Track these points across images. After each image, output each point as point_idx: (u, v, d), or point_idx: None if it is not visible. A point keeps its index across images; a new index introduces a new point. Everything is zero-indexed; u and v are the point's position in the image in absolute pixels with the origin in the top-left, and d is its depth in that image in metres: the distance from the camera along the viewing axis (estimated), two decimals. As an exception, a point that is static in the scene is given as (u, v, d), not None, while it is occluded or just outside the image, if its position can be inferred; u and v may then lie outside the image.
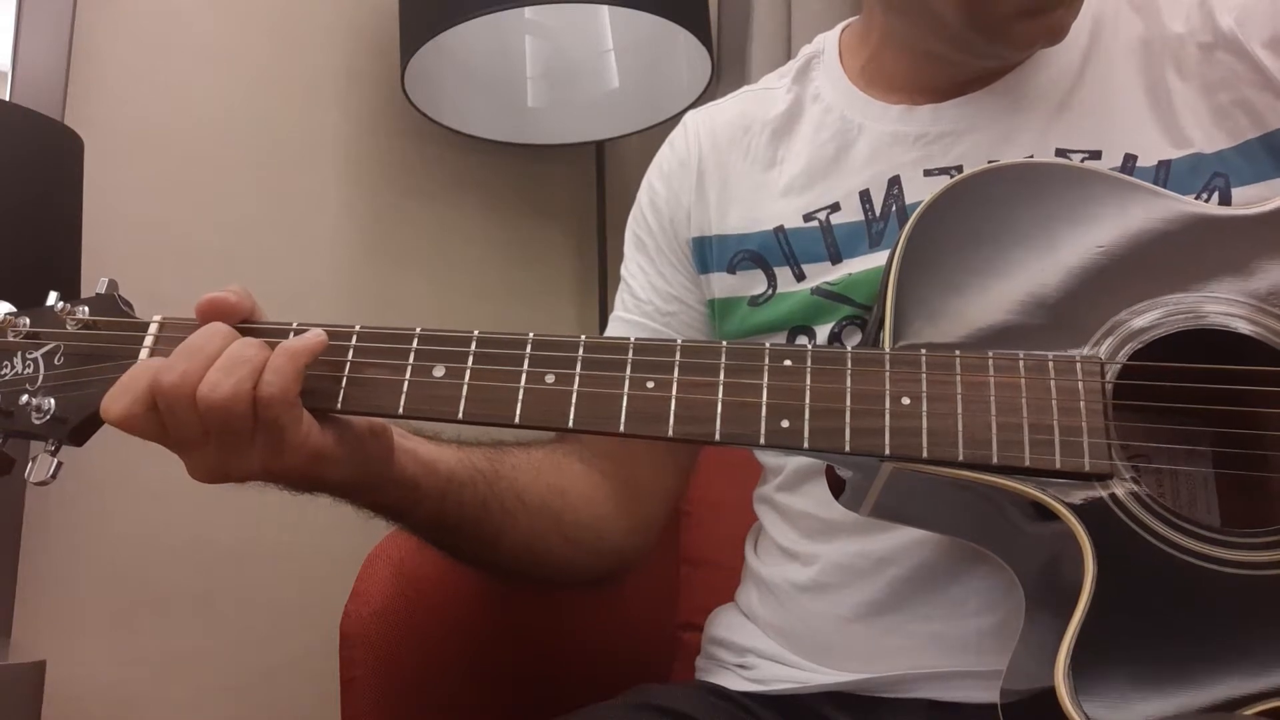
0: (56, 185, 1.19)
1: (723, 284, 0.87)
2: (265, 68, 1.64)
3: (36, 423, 0.66)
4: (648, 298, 0.92)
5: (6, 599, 1.33)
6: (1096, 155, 0.76)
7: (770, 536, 0.86)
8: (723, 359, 0.63)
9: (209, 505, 1.44)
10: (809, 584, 0.80)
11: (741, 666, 0.83)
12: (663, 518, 0.93)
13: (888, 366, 0.63)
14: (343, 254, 1.68)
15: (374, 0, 1.74)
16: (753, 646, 0.83)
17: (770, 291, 0.84)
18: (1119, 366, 0.62)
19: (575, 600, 0.99)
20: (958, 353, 0.63)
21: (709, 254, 0.88)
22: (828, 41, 0.91)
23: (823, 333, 0.80)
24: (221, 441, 0.63)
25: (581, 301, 1.92)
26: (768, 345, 0.64)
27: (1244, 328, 0.63)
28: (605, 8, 1.68)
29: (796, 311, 0.82)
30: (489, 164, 1.84)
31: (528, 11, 1.71)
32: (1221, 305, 0.64)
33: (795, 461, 0.83)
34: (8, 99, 1.37)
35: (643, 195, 0.95)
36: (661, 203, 0.92)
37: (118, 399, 0.63)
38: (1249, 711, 0.55)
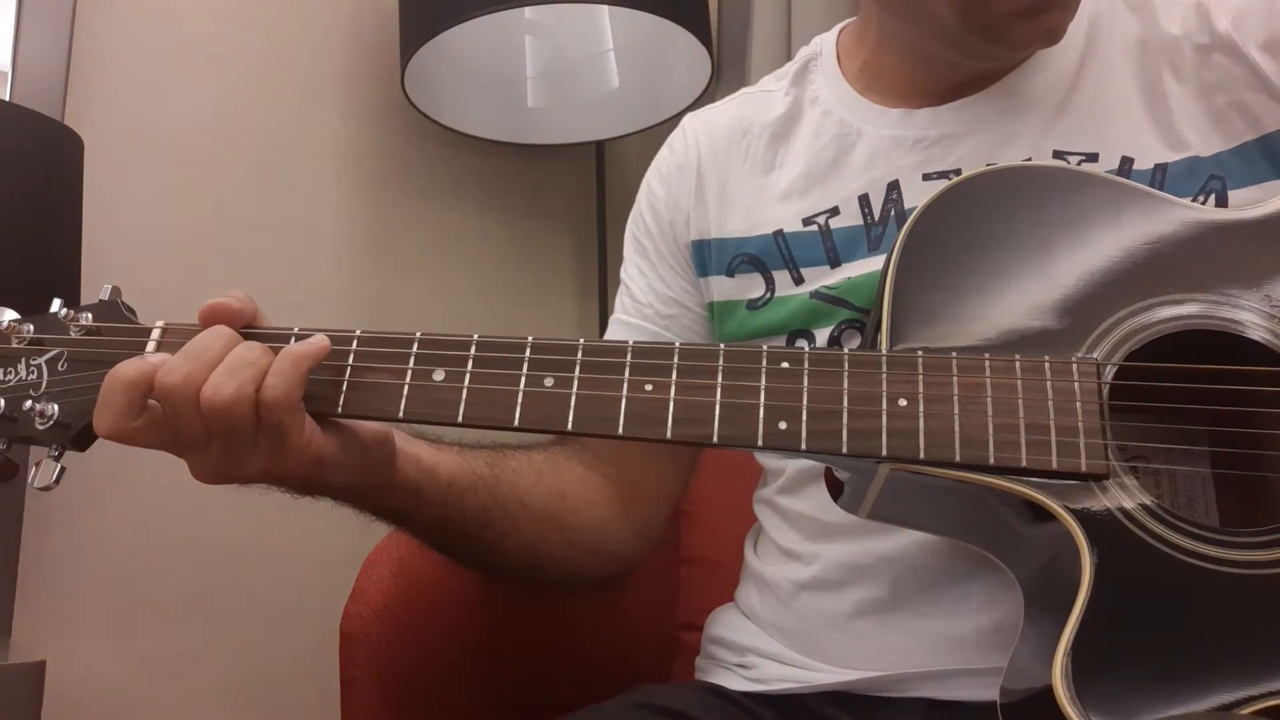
0: (56, 185, 1.19)
1: (721, 287, 0.87)
2: (265, 68, 1.64)
3: (40, 428, 0.67)
4: (647, 301, 0.92)
5: (6, 599, 1.33)
6: (1094, 158, 0.76)
7: (770, 538, 0.86)
8: (720, 361, 0.64)
9: (209, 506, 1.43)
10: (810, 581, 0.80)
11: (741, 666, 0.83)
12: (664, 520, 0.93)
13: (884, 368, 0.63)
14: (343, 254, 1.68)
15: (374, 0, 1.74)
16: (753, 646, 0.83)
17: (769, 295, 0.84)
18: (1115, 367, 0.63)
19: (575, 600, 0.99)
20: (954, 354, 0.63)
21: (708, 257, 0.88)
22: (825, 43, 0.91)
23: (822, 336, 0.80)
24: (224, 444, 0.63)
25: (581, 301, 1.92)
26: (765, 348, 0.65)
27: (1240, 329, 0.63)
28: (605, 8, 1.68)
29: (795, 315, 0.82)
30: (489, 164, 1.84)
31: (528, 11, 1.71)
32: (1218, 307, 0.64)
33: (796, 464, 0.83)
34: (8, 99, 1.37)
35: (642, 198, 0.95)
36: (661, 206, 0.92)
37: (103, 414, 0.63)
38: (1248, 711, 0.55)
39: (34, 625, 1.35)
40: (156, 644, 1.43)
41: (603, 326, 0.97)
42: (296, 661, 1.48)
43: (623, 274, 0.96)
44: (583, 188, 1.91)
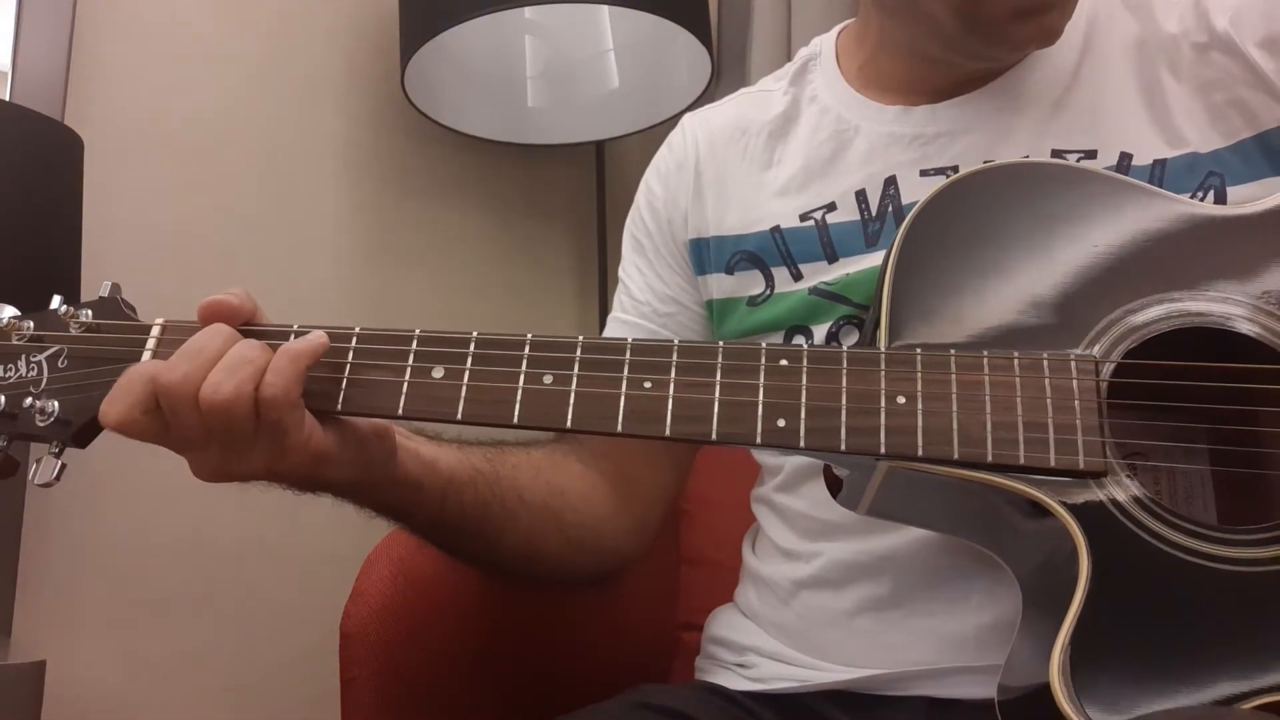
0: (56, 185, 1.19)
1: (720, 285, 0.87)
2: (265, 68, 1.64)
3: (40, 425, 0.67)
4: (645, 299, 0.92)
5: (6, 599, 1.33)
6: (1092, 155, 0.76)
7: (769, 537, 0.87)
8: (719, 359, 0.64)
9: (209, 505, 1.44)
10: (810, 579, 0.80)
11: (741, 666, 0.83)
12: (661, 516, 0.94)
13: (883, 366, 0.63)
14: (343, 254, 1.68)
15: (374, 0, 1.74)
16: (753, 645, 0.83)
17: (768, 292, 0.84)
18: (1114, 365, 0.63)
19: (575, 600, 0.99)
20: (953, 352, 0.63)
21: (706, 255, 0.89)
22: (824, 44, 0.91)
23: (820, 332, 0.80)
24: (224, 442, 0.63)
25: (581, 301, 1.92)
26: (764, 345, 0.65)
27: (1240, 326, 0.64)
28: (605, 8, 1.68)
29: (794, 311, 0.82)
30: (489, 164, 1.84)
31: (528, 11, 1.71)
32: (1217, 304, 0.64)
33: (793, 462, 0.84)
34: (8, 99, 1.37)
35: (640, 197, 0.96)
36: (659, 204, 0.93)
37: (115, 404, 0.63)
38: (1245, 707, 0.55)
39: (34, 625, 1.35)
40: (156, 644, 1.43)
41: (603, 327, 0.97)
42: (296, 661, 1.48)
43: (621, 272, 0.96)
44: (583, 188, 1.91)
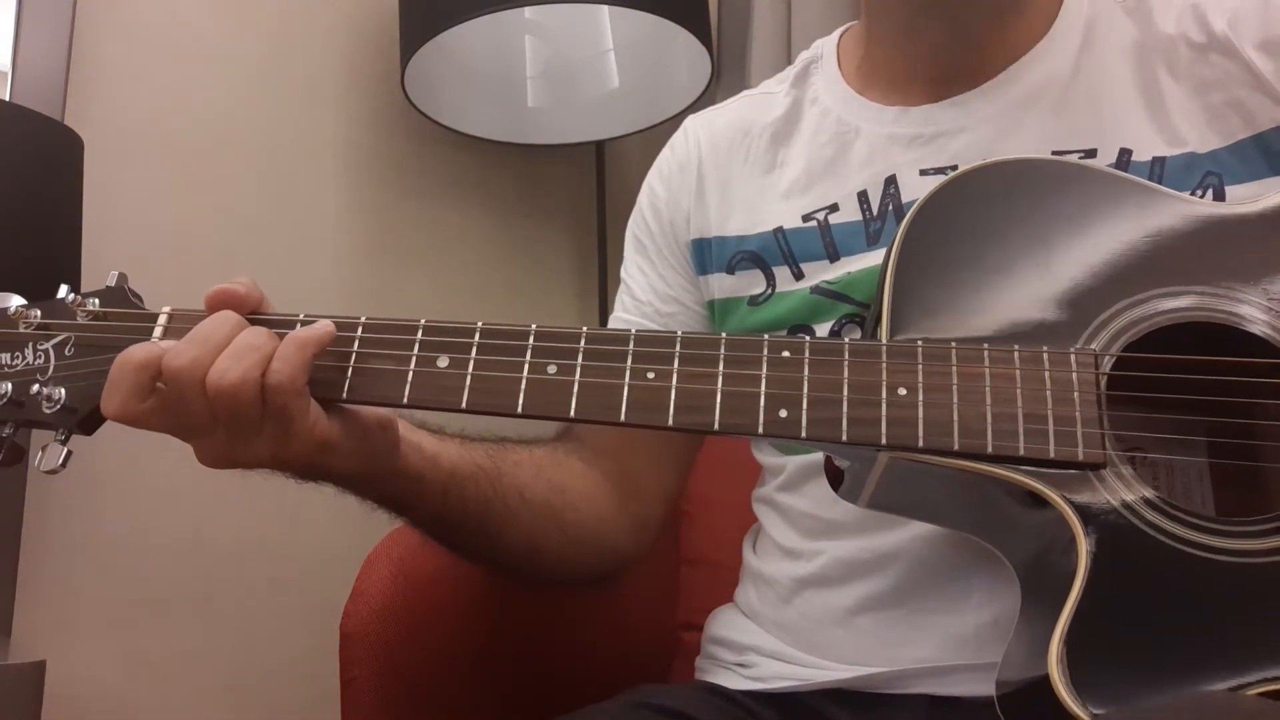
0: (56, 185, 1.19)
1: (722, 285, 0.88)
2: (265, 68, 1.64)
3: (47, 412, 0.67)
4: (647, 299, 0.93)
5: (6, 599, 1.33)
6: (1092, 154, 0.76)
7: (770, 537, 0.87)
8: (722, 350, 0.64)
9: (209, 505, 1.44)
10: (810, 577, 0.80)
11: (741, 665, 0.83)
12: (662, 517, 0.94)
13: (884, 358, 0.63)
14: (342, 254, 1.68)
15: (374, 0, 1.75)
16: (753, 644, 0.83)
17: (769, 291, 0.84)
18: (1113, 358, 0.63)
19: (575, 600, 0.99)
20: (953, 344, 0.63)
21: (708, 256, 0.89)
22: (825, 46, 0.92)
23: (822, 331, 0.81)
24: (230, 428, 0.63)
25: (581, 301, 1.92)
26: (766, 337, 0.65)
27: (1239, 322, 0.64)
28: (605, 8, 1.68)
29: (796, 310, 0.82)
30: (489, 164, 1.84)
31: (528, 11, 1.71)
32: (1216, 300, 0.65)
33: (796, 461, 0.84)
34: (8, 99, 1.37)
35: (643, 198, 0.96)
36: (661, 205, 0.93)
37: (111, 396, 0.63)
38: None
39: (34, 625, 1.34)
40: (156, 644, 1.43)
41: (602, 326, 0.98)
42: (296, 661, 1.48)
43: (623, 273, 0.96)
44: (583, 188, 1.92)
